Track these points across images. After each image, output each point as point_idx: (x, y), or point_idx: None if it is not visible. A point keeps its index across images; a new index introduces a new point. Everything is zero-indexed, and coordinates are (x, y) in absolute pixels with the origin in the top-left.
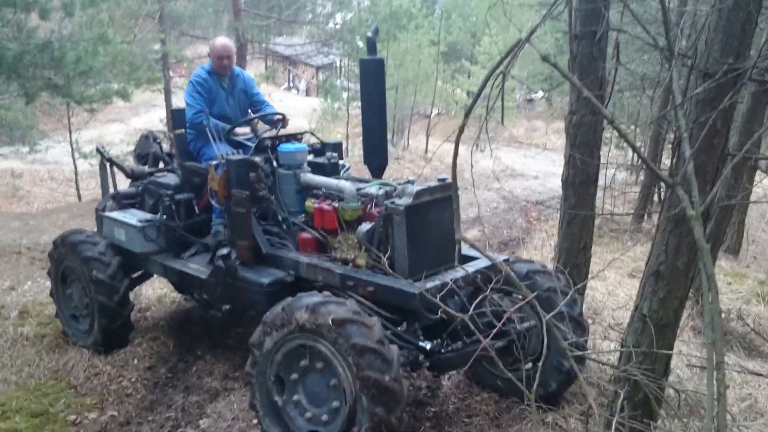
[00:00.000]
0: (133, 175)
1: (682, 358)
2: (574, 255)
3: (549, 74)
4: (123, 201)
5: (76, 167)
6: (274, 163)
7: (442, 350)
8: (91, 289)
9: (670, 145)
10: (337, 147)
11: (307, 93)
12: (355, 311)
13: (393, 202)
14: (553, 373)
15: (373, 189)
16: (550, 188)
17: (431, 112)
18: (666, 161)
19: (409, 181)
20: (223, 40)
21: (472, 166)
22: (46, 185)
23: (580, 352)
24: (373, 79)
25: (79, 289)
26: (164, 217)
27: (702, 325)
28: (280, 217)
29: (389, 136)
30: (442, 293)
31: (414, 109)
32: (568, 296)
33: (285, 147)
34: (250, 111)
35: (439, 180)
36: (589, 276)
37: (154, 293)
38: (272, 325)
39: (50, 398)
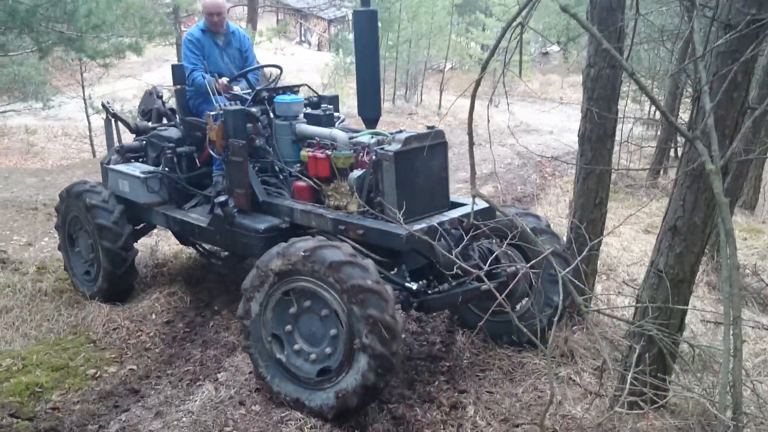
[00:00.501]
0: (137, 130)
1: (697, 314)
2: (590, 210)
3: (565, 26)
4: (127, 154)
5: (89, 123)
6: (271, 115)
7: (429, 291)
8: (96, 236)
9: (687, 99)
10: (333, 100)
11: (319, 47)
12: (351, 254)
13: (383, 149)
14: (543, 309)
15: (365, 138)
16: (564, 143)
17: (444, 67)
18: (682, 116)
19: (400, 131)
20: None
21: (488, 121)
22: (60, 141)
23: (596, 309)
24: (366, 31)
25: (85, 239)
26: (166, 169)
27: (717, 280)
28: (276, 167)
29: (402, 91)
30: (438, 236)
31: (427, 63)
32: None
33: (281, 98)
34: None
35: (428, 128)
36: (605, 232)
37: (170, 249)
38: (264, 273)
39: (70, 352)
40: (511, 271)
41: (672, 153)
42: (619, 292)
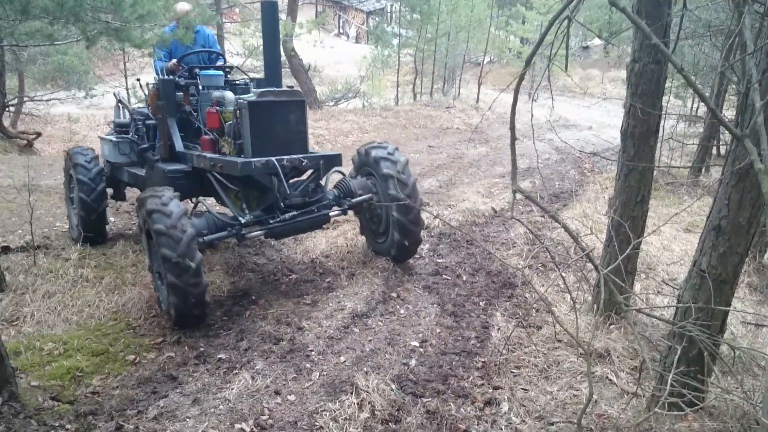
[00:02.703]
0: (133, 110)
1: (737, 315)
2: (631, 208)
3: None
4: (117, 128)
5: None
6: (200, 87)
7: (271, 221)
8: (76, 188)
9: (732, 97)
10: (260, 81)
11: (357, 39)
12: (164, 202)
13: (242, 99)
14: (387, 225)
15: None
16: (604, 139)
17: (483, 60)
18: (726, 113)
19: (289, 87)
20: (180, 6)
21: (532, 115)
22: (101, 130)
23: (636, 308)
24: (268, 19)
25: (75, 192)
26: (135, 136)
27: (759, 282)
28: (196, 126)
29: (440, 84)
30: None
31: (465, 56)
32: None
33: (205, 72)
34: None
35: (287, 87)
36: (646, 230)
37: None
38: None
39: (110, 338)
40: (362, 198)
41: (714, 151)
42: (659, 292)
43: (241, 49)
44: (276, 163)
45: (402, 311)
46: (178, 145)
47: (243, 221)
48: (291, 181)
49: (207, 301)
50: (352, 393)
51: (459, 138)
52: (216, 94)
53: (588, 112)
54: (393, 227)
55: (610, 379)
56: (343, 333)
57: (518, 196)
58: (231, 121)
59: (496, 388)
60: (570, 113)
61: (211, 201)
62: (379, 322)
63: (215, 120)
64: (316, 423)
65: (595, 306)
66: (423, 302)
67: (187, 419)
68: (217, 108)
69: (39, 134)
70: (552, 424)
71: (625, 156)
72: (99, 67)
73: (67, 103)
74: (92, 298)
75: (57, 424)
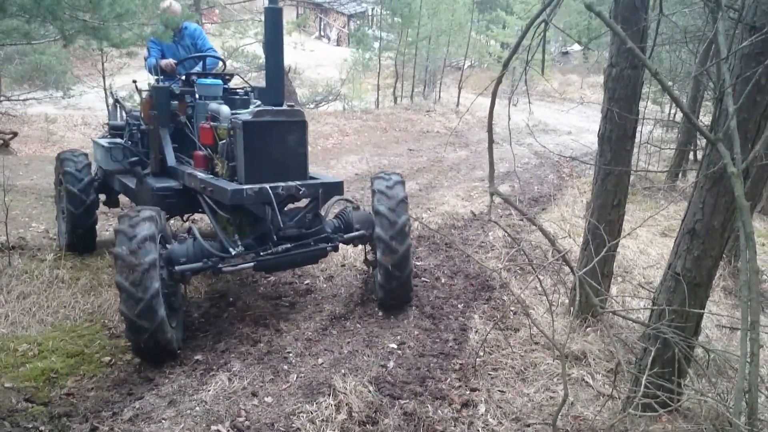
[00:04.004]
0: (129, 113)
1: (712, 319)
2: (608, 212)
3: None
4: (112, 130)
5: (109, 113)
6: (197, 96)
7: (261, 253)
8: (65, 198)
9: (708, 102)
10: (262, 90)
11: (338, 42)
12: (131, 224)
13: (237, 119)
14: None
15: (245, 112)
16: (583, 144)
17: (464, 65)
18: (703, 118)
19: (290, 106)
20: (165, 5)
21: (509, 119)
22: (79, 130)
23: (611, 310)
24: (272, 26)
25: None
26: (129, 142)
27: (734, 285)
28: (191, 139)
29: (420, 88)
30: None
31: (446, 60)
32: None
33: (202, 81)
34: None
35: (288, 105)
36: (622, 234)
37: None
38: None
39: (85, 339)
40: (354, 235)
41: (691, 156)
42: (635, 295)
43: (220, 51)
44: (270, 191)
45: (380, 313)
46: (170, 159)
47: (233, 252)
48: (288, 207)
49: (168, 338)
50: (329, 395)
51: (439, 141)
52: (212, 106)
53: (567, 117)
54: (378, 268)
55: (586, 381)
56: (321, 335)
57: (496, 199)
58: (225, 140)
59: (473, 390)
60: (549, 118)
61: (206, 221)
62: (357, 324)
63: (209, 136)
64: (293, 425)
65: (572, 309)
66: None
67: (163, 421)
68: (211, 124)
69: (15, 134)
70: (528, 425)
71: (602, 160)
72: (77, 67)
73: (45, 103)
74: (68, 300)
75: (31, 426)
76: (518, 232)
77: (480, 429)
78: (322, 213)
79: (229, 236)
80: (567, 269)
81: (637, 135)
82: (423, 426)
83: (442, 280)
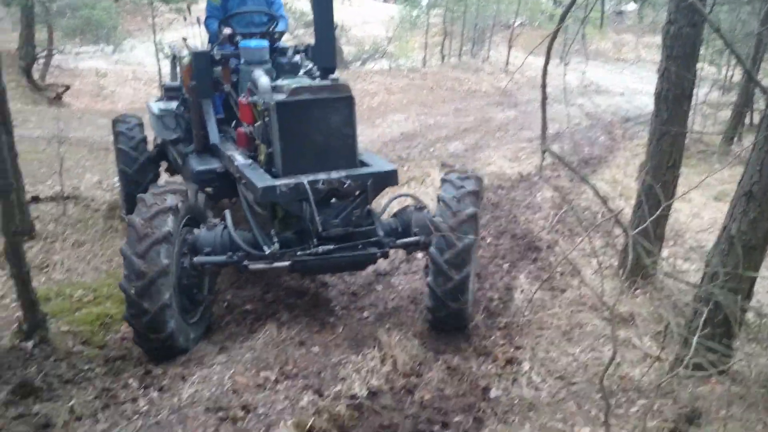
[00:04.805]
0: None
1: (765, 285)
2: (662, 173)
3: None
4: (168, 92)
5: (159, 68)
6: (242, 60)
7: (298, 252)
8: (118, 159)
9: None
10: (313, 49)
11: None
12: (155, 193)
13: (271, 98)
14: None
15: (286, 84)
16: (636, 105)
17: (514, 22)
18: (763, 81)
19: (333, 80)
20: None
21: (564, 74)
22: (129, 85)
23: (663, 271)
24: None
25: None
26: (182, 108)
27: None
28: (236, 112)
29: (469, 46)
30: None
31: (496, 18)
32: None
33: (245, 43)
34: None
35: (331, 80)
36: (676, 196)
37: None
38: None
39: None
40: (407, 242)
41: (747, 120)
42: (686, 259)
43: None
44: (308, 186)
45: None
46: (213, 135)
47: (267, 250)
48: (334, 200)
49: (169, 329)
50: (375, 347)
51: (487, 101)
52: (254, 74)
53: (620, 77)
54: (428, 289)
55: (634, 344)
56: (367, 290)
57: (547, 159)
58: (260, 122)
59: (517, 347)
60: (602, 78)
61: None
62: (402, 281)
63: (248, 113)
64: (340, 374)
65: (621, 271)
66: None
67: (215, 365)
68: (249, 99)
69: (68, 87)
70: (573, 384)
71: (658, 120)
72: (127, 22)
73: (96, 57)
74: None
75: (87, 368)
76: (567, 194)
77: (523, 386)
78: (378, 210)
79: (265, 230)
80: (617, 231)
81: (694, 96)
82: (466, 380)
83: (488, 240)
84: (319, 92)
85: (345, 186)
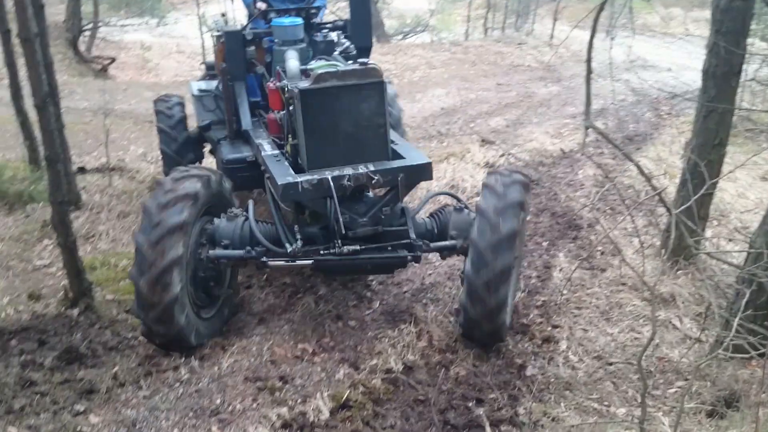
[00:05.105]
0: None
1: None
2: (708, 151)
3: None
4: (210, 71)
5: (203, 41)
6: (275, 39)
7: (321, 251)
8: (160, 138)
9: None
10: (351, 25)
11: None
12: (174, 178)
13: (295, 85)
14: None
15: (316, 68)
16: (683, 82)
17: None
18: None
19: (362, 63)
20: None
21: (610, 47)
22: (173, 58)
23: (705, 251)
24: None
25: None
26: (220, 88)
27: None
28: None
29: (512, 20)
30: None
31: None
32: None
33: (278, 21)
34: None
35: (360, 63)
36: (721, 175)
37: None
38: None
39: None
40: (442, 246)
41: None
42: (730, 239)
43: None
44: (331, 183)
45: None
46: (245, 121)
47: (289, 248)
48: (369, 192)
49: (179, 325)
50: (411, 322)
51: (530, 76)
52: (286, 55)
53: (668, 52)
54: (459, 307)
55: (674, 324)
56: None
57: (590, 135)
58: (285, 110)
59: (555, 326)
60: (649, 53)
61: None
62: (439, 257)
63: (277, 100)
64: (376, 348)
65: (663, 251)
66: None
67: (254, 336)
68: (277, 84)
69: (113, 60)
70: (611, 364)
71: (705, 96)
72: None
73: (140, 30)
74: None
75: (130, 336)
76: (610, 171)
77: (560, 364)
78: (414, 207)
79: (289, 225)
80: (660, 210)
81: (743, 73)
82: (502, 357)
83: (527, 217)
84: (346, 78)
85: (374, 181)
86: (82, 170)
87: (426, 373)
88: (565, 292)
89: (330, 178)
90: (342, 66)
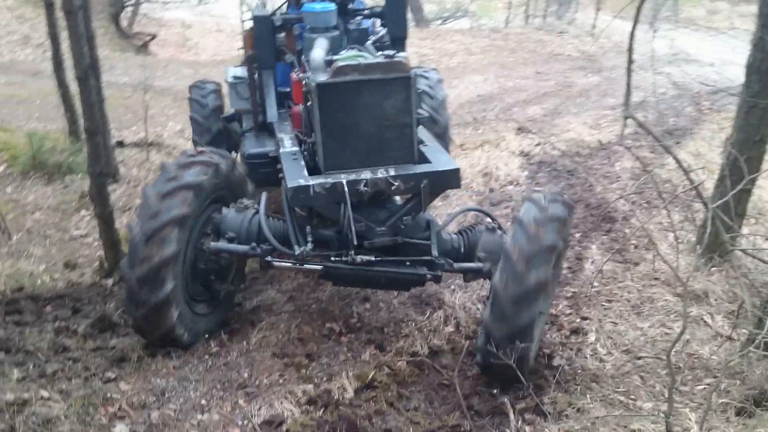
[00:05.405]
0: None
1: None
2: (749, 147)
3: None
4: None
5: (242, 22)
6: (307, 25)
7: (333, 258)
8: (193, 128)
9: None
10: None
11: None
12: (179, 164)
13: (313, 78)
14: None
15: (339, 60)
16: (726, 77)
17: None
18: None
19: (388, 56)
20: None
21: (653, 40)
22: (213, 37)
23: (741, 248)
24: None
25: None
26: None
27: None
28: None
29: (554, 8)
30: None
31: None
32: None
33: (309, 7)
34: None
35: (386, 56)
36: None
37: None
38: None
39: None
40: (467, 267)
41: None
42: (767, 238)
43: None
44: (346, 188)
45: None
46: (271, 113)
47: (296, 250)
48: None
49: (170, 324)
50: (438, 307)
51: (570, 65)
52: (317, 42)
53: (711, 46)
54: (481, 328)
55: (705, 321)
56: None
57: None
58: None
59: (584, 318)
60: (692, 47)
61: None
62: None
63: (299, 92)
64: (403, 331)
65: (698, 247)
66: None
67: (282, 313)
68: (300, 75)
69: (154, 36)
70: (639, 358)
71: (748, 92)
72: None
73: (182, 8)
74: None
75: None
76: (647, 164)
77: (588, 356)
78: (440, 222)
79: (301, 226)
80: (697, 206)
81: None
82: None
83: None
84: (369, 72)
85: (393, 188)
86: (120, 144)
87: (452, 358)
88: (596, 284)
89: (345, 183)
90: (367, 58)
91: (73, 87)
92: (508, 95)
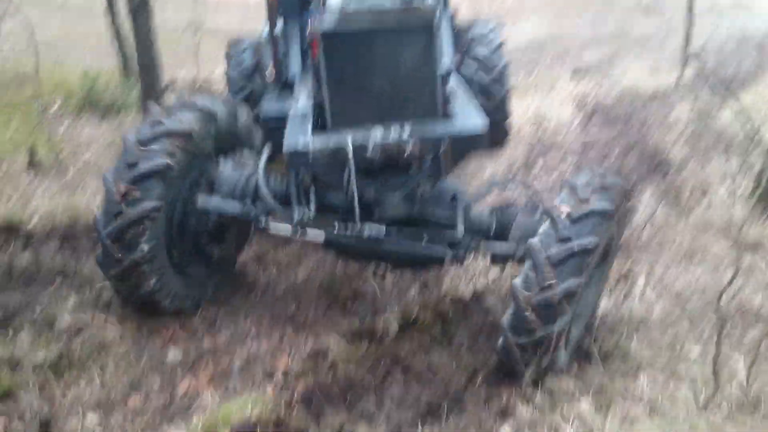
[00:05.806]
0: None
1: None
2: None
3: None
4: None
5: None
6: None
7: (337, 226)
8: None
9: None
10: None
11: None
12: (144, 139)
13: (320, 26)
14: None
15: (352, 5)
16: None
17: None
18: None
19: (407, 1)
20: None
21: None
22: None
23: None
24: None
25: None
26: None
27: None
28: None
29: None
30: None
31: None
32: None
33: None
34: None
35: (405, 2)
36: None
37: None
38: None
39: None
40: (505, 250)
41: None
42: None
43: None
44: (350, 153)
45: (544, 177)
46: (293, 67)
47: (296, 216)
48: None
49: (148, 286)
50: None
51: (630, 10)
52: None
53: None
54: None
55: (759, 270)
56: None
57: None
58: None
59: (634, 263)
60: None
61: None
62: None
63: (314, 44)
64: (447, 272)
65: (756, 195)
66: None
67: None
68: (315, 24)
69: None
70: (689, 304)
71: None
72: None
73: None
74: None
75: None
76: (705, 112)
77: (636, 300)
78: (471, 195)
79: (306, 188)
80: (754, 156)
81: None
82: None
83: (616, 151)
84: (383, 19)
85: (407, 153)
86: (168, 87)
87: (495, 300)
88: (648, 230)
89: (350, 147)
90: (382, 3)
91: (126, 27)
92: (564, 40)
